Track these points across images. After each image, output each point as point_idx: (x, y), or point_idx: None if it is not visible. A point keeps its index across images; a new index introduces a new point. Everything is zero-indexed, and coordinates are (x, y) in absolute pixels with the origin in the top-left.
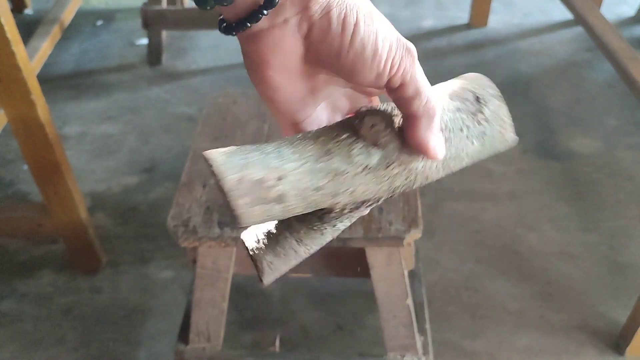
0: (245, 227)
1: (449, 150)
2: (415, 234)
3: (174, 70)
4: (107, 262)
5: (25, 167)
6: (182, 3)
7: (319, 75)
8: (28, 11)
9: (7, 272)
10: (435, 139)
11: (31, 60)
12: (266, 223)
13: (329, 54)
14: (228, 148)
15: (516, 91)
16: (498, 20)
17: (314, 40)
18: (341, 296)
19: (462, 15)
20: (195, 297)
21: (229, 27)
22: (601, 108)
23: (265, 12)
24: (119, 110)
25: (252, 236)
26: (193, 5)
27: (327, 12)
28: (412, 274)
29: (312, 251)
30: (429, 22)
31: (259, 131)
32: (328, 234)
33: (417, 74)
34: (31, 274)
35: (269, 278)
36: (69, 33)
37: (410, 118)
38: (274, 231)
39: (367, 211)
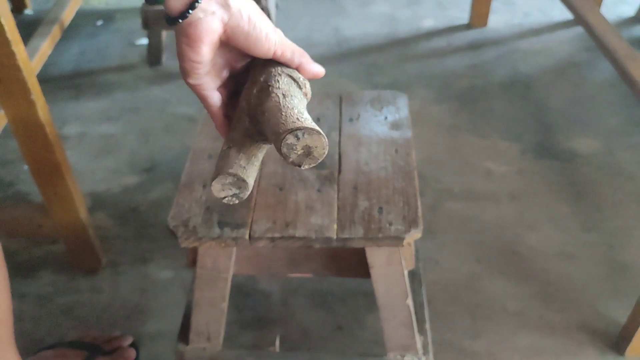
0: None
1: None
2: (415, 234)
3: (174, 70)
4: (107, 262)
5: (25, 167)
6: None
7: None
8: (28, 11)
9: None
10: (317, 66)
11: (31, 60)
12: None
13: (240, 34)
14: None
15: (516, 91)
16: (498, 20)
17: (231, 25)
18: (341, 296)
19: (462, 15)
20: (195, 297)
21: (173, 19)
22: (601, 108)
23: (199, 1)
24: (119, 110)
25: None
26: None
27: (239, 9)
28: (412, 274)
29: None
30: (429, 22)
31: None
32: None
33: (287, 44)
34: (31, 274)
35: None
36: (69, 33)
37: (299, 67)
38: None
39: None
